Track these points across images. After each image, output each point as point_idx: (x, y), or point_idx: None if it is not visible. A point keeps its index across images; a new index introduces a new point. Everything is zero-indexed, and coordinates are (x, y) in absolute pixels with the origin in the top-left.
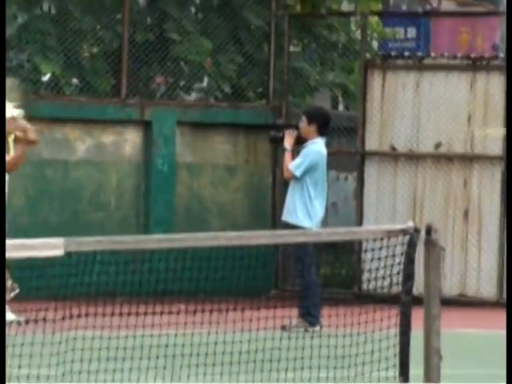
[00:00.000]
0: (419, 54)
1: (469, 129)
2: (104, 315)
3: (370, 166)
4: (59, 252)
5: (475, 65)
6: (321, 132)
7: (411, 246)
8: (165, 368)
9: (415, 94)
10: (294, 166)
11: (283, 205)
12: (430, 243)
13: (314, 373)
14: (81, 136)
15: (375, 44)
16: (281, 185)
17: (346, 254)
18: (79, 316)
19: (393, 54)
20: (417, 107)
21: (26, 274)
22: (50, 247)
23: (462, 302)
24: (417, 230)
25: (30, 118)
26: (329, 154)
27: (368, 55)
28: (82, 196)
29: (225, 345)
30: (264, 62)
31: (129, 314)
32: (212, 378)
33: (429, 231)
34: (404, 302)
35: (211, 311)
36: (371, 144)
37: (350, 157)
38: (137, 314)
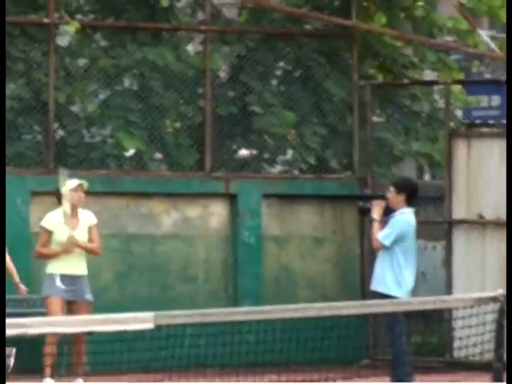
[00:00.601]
0: (504, 121)
1: None
2: None
3: (458, 235)
4: (149, 325)
5: None
6: (409, 202)
7: (501, 313)
8: None
9: (501, 161)
10: (382, 236)
11: (372, 275)
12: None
13: None
14: (166, 210)
15: (459, 113)
16: (369, 255)
17: (436, 322)
18: None
19: (477, 122)
20: (503, 174)
21: (117, 348)
22: (141, 321)
23: None
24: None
25: (115, 193)
26: (417, 223)
27: (452, 124)
28: (170, 270)
29: None
30: (347, 133)
31: None
32: None
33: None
34: (496, 368)
35: (303, 381)
36: (458, 212)
37: (437, 226)
38: None
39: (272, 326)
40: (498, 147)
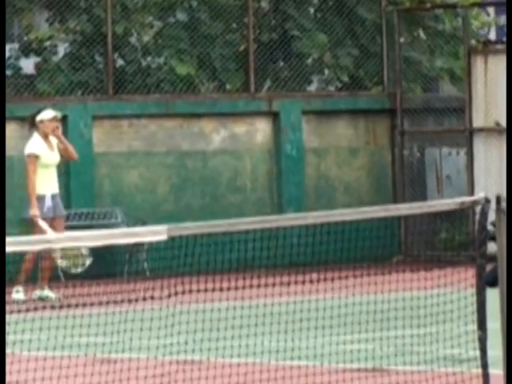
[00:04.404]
0: None
1: None
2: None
3: (478, 141)
4: (163, 237)
5: None
6: None
7: (483, 215)
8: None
9: None
10: None
11: (403, 180)
12: (501, 211)
13: (408, 330)
14: (216, 128)
15: (481, 30)
16: (400, 162)
17: (460, 220)
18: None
19: (492, 39)
20: None
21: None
22: (154, 234)
23: None
24: (487, 201)
25: (169, 114)
26: (440, 132)
27: (473, 41)
28: (220, 182)
29: (345, 307)
30: (378, 53)
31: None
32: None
33: (499, 201)
34: (479, 263)
35: (347, 277)
36: (478, 121)
37: (459, 133)
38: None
39: (315, 231)
40: None
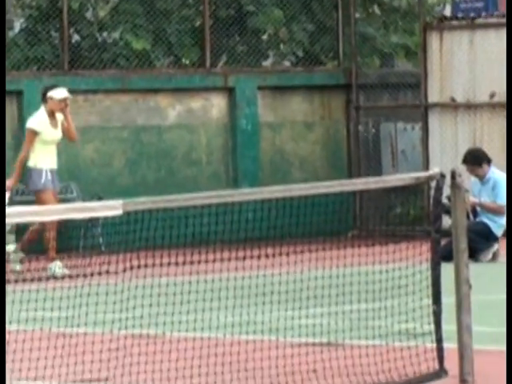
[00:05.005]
0: (471, 15)
1: None
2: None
3: (433, 116)
4: (118, 212)
5: None
6: (488, 161)
7: (438, 190)
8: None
9: (470, 50)
10: (502, 200)
11: (358, 155)
12: (455, 186)
13: (363, 305)
14: (171, 103)
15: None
16: (355, 137)
17: (415, 195)
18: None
19: (447, 16)
20: (472, 62)
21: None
22: (109, 208)
23: None
24: (442, 176)
25: (125, 89)
26: (396, 107)
27: (429, 17)
28: (176, 156)
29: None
30: (333, 29)
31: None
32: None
33: (453, 176)
34: (434, 238)
35: (302, 252)
36: (433, 97)
37: (415, 109)
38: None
39: (269, 205)
40: (467, 38)
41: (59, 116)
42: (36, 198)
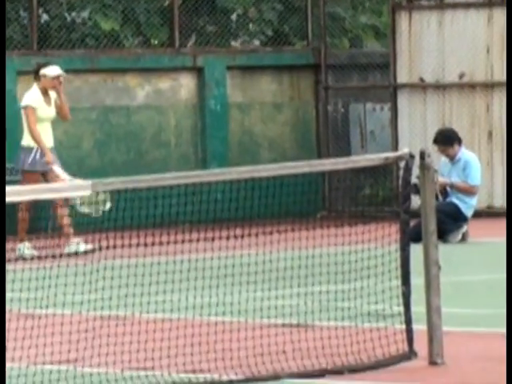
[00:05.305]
0: None
1: (488, 59)
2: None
3: (402, 97)
4: (87, 192)
5: (491, 1)
6: (459, 141)
7: (407, 171)
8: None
9: (439, 30)
10: (473, 180)
11: (327, 135)
12: (425, 167)
13: (332, 286)
14: (140, 83)
15: None
16: (324, 117)
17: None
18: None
19: None
20: (441, 43)
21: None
22: (78, 189)
23: (490, 214)
24: (411, 156)
25: (93, 70)
26: (365, 88)
27: None
28: (144, 137)
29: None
30: (302, 9)
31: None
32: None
33: (423, 156)
34: (403, 219)
35: (271, 233)
36: (402, 77)
37: (384, 89)
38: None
39: (237, 186)
40: (436, 18)
41: (52, 94)
42: (22, 177)
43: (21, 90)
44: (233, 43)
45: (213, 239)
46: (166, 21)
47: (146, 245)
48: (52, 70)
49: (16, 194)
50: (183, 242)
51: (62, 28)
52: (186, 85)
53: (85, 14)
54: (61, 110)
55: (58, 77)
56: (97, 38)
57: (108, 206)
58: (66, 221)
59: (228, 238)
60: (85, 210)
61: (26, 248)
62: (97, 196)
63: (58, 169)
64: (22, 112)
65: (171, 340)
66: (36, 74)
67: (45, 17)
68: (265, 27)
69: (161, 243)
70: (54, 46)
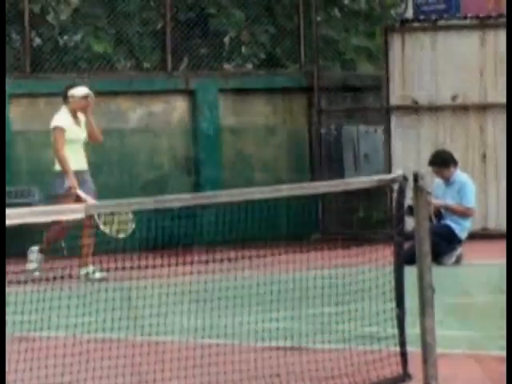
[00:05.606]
0: (434, 17)
1: (481, 81)
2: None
3: (395, 119)
4: (81, 216)
5: (483, 23)
6: (455, 163)
7: (401, 193)
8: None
9: (432, 53)
10: (468, 202)
11: (320, 158)
12: (418, 189)
13: (326, 308)
14: (133, 106)
15: (398, 9)
16: (317, 140)
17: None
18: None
19: (409, 18)
20: (434, 64)
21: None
22: (72, 211)
23: (484, 236)
24: (405, 178)
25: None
26: (358, 110)
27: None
28: (138, 160)
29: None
30: (295, 31)
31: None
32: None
33: (416, 179)
34: (397, 242)
35: (265, 256)
36: (395, 99)
37: (377, 112)
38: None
39: (231, 208)
40: (428, 40)
41: (81, 117)
42: (57, 202)
43: (13, 113)
44: (225, 66)
45: (206, 262)
46: (158, 43)
47: (139, 267)
48: (80, 91)
49: (12, 217)
50: (177, 264)
51: (54, 51)
52: (178, 108)
53: (77, 37)
54: (91, 132)
55: (85, 96)
56: (89, 61)
57: (132, 226)
58: (87, 241)
59: (222, 260)
60: (106, 230)
61: (97, 271)
62: (120, 216)
63: (81, 193)
64: (51, 134)
65: (165, 363)
66: (65, 97)
67: (37, 40)
68: (257, 50)
69: (154, 266)
70: (46, 69)
